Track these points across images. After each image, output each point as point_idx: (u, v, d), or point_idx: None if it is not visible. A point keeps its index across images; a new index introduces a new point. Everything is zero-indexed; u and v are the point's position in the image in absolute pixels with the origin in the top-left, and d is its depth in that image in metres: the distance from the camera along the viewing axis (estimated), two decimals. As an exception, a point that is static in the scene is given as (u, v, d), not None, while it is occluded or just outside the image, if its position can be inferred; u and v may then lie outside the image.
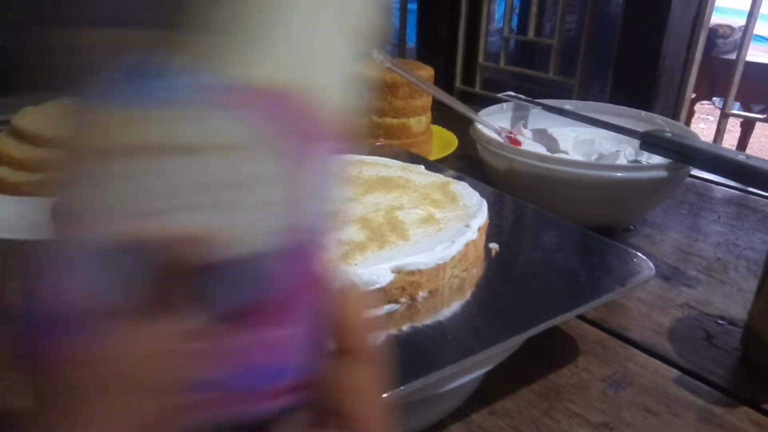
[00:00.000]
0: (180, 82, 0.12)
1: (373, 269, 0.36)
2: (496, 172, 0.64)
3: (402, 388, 0.30)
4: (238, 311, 0.13)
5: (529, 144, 0.70)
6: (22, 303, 0.13)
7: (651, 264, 0.43)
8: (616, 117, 0.70)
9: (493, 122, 0.70)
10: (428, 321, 0.36)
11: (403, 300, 0.37)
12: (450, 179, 0.49)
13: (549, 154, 0.65)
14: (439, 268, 0.38)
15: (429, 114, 0.80)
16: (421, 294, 0.38)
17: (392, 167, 0.51)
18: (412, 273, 0.37)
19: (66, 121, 0.13)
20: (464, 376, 0.35)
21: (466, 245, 0.40)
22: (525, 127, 0.74)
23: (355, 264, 0.36)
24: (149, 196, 0.12)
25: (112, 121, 0.12)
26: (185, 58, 0.12)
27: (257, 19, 0.12)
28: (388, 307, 0.37)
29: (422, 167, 0.52)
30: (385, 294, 0.36)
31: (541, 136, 0.71)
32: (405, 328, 0.35)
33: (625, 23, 0.98)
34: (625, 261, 0.43)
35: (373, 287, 0.36)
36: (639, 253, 0.44)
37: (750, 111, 2.66)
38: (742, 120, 2.87)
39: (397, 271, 0.37)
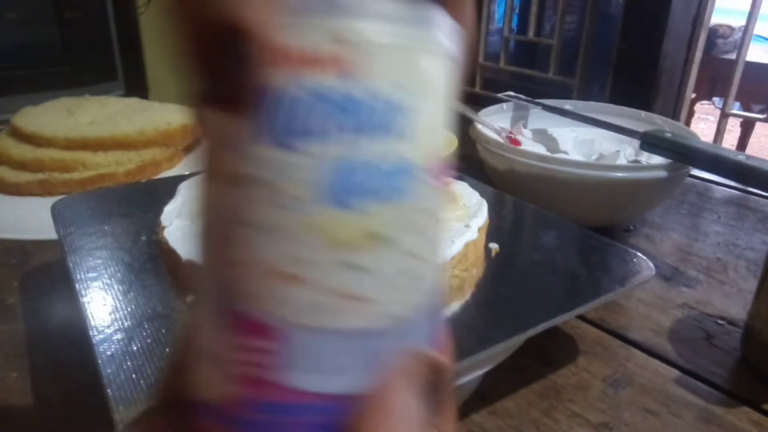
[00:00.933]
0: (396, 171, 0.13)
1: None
2: (496, 172, 0.64)
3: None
4: None
5: (529, 144, 0.70)
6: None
7: (651, 264, 0.43)
8: (616, 117, 0.70)
9: (493, 122, 0.70)
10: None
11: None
12: (450, 179, 0.49)
13: (549, 154, 0.65)
14: (439, 268, 0.38)
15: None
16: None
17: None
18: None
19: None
20: (464, 376, 0.35)
21: (466, 245, 0.40)
22: (525, 127, 0.74)
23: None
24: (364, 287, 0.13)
25: (330, 218, 0.13)
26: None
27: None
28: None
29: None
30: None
31: (541, 136, 0.71)
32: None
33: (625, 23, 0.98)
34: (625, 261, 0.43)
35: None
36: (639, 253, 0.44)
37: (750, 111, 2.67)
38: (742, 120, 2.87)
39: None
